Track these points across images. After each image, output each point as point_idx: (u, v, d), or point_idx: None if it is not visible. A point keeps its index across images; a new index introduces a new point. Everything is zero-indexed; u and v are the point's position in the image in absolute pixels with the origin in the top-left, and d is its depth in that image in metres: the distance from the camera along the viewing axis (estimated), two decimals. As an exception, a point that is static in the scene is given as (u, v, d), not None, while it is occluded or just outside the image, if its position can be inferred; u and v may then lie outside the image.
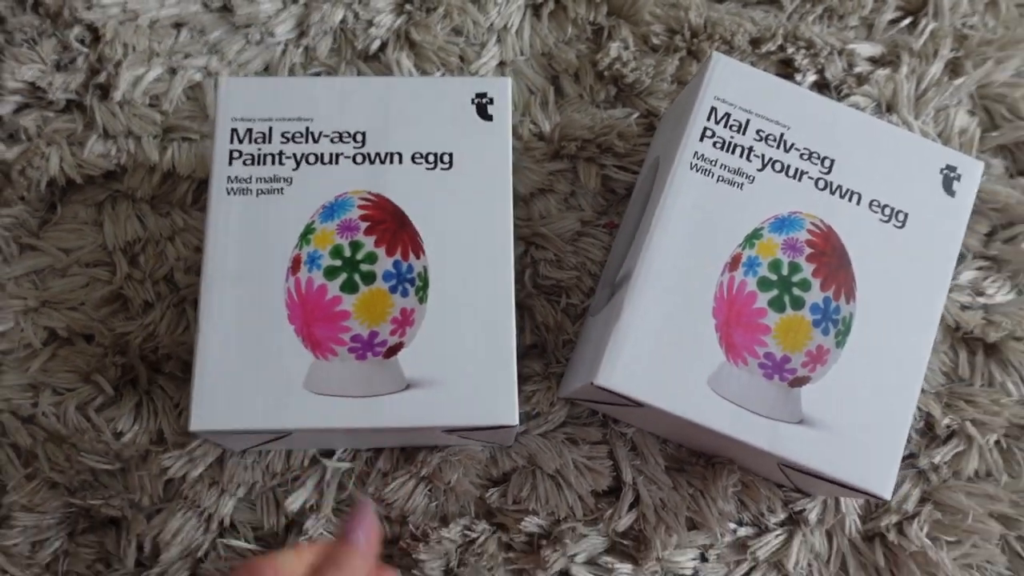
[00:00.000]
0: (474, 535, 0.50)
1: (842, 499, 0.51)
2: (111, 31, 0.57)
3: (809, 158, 0.46)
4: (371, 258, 0.45)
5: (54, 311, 0.53)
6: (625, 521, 0.50)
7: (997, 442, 0.53)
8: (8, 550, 0.50)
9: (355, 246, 0.45)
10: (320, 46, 0.58)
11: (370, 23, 0.58)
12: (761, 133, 0.46)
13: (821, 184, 0.46)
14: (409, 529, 0.50)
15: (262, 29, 0.58)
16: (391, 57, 0.58)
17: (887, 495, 0.43)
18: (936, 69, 0.58)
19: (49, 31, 0.57)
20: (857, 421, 0.44)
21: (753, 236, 0.45)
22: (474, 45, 0.59)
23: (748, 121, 0.47)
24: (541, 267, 0.54)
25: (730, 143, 0.46)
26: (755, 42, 0.58)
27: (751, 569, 0.51)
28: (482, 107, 0.48)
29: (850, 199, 0.46)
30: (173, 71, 0.58)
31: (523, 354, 0.53)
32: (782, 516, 0.51)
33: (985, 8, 0.60)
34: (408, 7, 0.59)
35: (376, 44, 0.58)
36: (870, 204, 0.46)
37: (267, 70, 0.58)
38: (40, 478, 0.51)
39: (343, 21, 0.59)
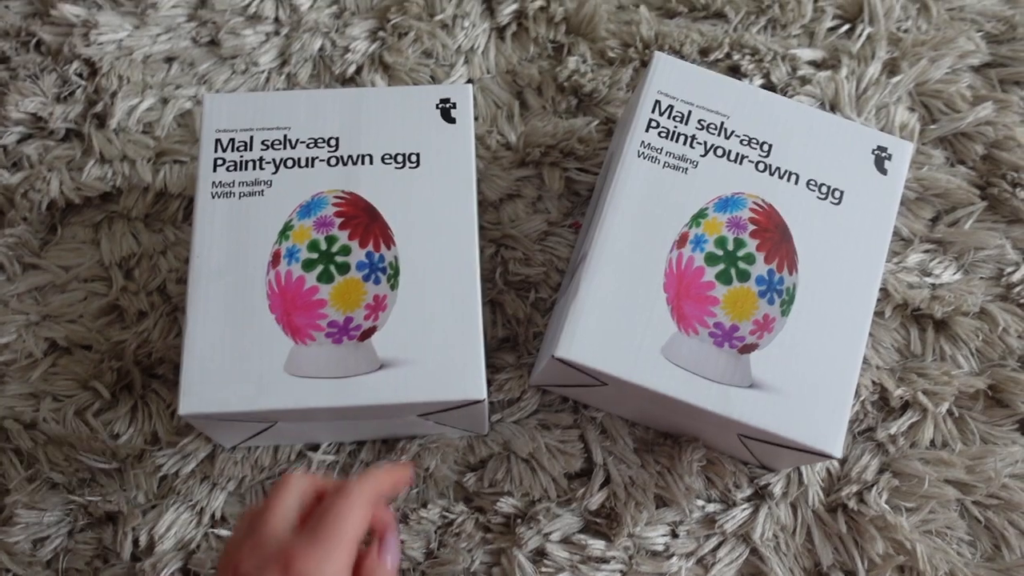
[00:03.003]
0: (453, 516, 0.52)
1: (804, 473, 0.53)
2: (107, 65, 0.61)
3: (749, 143, 0.50)
4: (345, 250, 0.48)
5: (55, 323, 0.57)
6: (597, 499, 0.53)
7: (950, 412, 0.55)
8: (10, 548, 0.52)
9: (330, 240, 0.48)
10: (301, 72, 0.63)
11: (346, 49, 0.63)
12: (703, 122, 0.50)
13: (761, 167, 0.50)
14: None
15: (247, 60, 0.63)
16: (366, 79, 0.62)
17: (838, 453, 0.46)
18: (874, 69, 0.62)
19: (50, 67, 0.62)
20: (805, 384, 0.46)
21: (699, 216, 0.48)
22: (443, 66, 0.63)
23: (690, 112, 0.50)
24: (511, 265, 0.57)
25: (674, 132, 0.50)
26: (703, 51, 0.62)
27: (720, 543, 0.53)
28: (446, 111, 0.51)
29: (788, 179, 0.49)
30: (165, 101, 0.62)
31: (495, 347, 0.56)
32: (748, 491, 0.54)
33: (917, 13, 0.65)
34: (381, 33, 0.63)
35: (352, 68, 0.63)
36: (807, 183, 0.50)
37: (252, 96, 0.62)
38: (41, 479, 0.53)
39: (321, 49, 0.63)
